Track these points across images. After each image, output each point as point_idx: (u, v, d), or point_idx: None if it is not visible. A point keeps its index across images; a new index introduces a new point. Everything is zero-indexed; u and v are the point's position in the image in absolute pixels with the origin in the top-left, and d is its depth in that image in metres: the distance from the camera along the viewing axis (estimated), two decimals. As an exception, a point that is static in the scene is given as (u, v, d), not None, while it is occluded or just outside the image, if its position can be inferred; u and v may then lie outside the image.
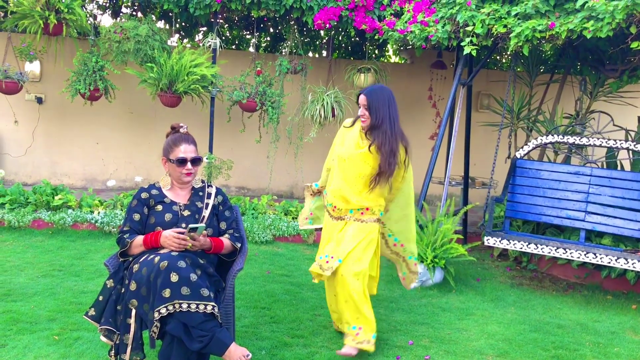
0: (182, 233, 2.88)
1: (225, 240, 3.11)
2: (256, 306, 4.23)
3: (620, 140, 5.19)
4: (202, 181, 3.26)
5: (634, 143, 5.10)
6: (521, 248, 4.96)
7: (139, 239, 2.95)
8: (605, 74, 5.79)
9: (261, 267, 5.23)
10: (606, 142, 5.22)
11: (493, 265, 5.88)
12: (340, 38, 8.44)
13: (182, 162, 3.07)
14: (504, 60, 8.54)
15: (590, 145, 5.32)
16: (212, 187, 3.25)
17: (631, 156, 5.77)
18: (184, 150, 3.07)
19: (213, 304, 2.71)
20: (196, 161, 3.10)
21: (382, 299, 4.61)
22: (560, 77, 6.50)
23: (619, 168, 5.89)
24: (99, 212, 6.02)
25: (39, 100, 7.73)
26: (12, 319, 3.70)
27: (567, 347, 3.92)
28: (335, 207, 3.54)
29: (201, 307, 2.68)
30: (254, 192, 8.10)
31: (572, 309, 4.74)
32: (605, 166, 5.94)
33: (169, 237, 2.86)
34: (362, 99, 3.43)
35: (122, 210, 6.11)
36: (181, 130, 3.17)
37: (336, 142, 3.65)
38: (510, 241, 5.01)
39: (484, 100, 8.12)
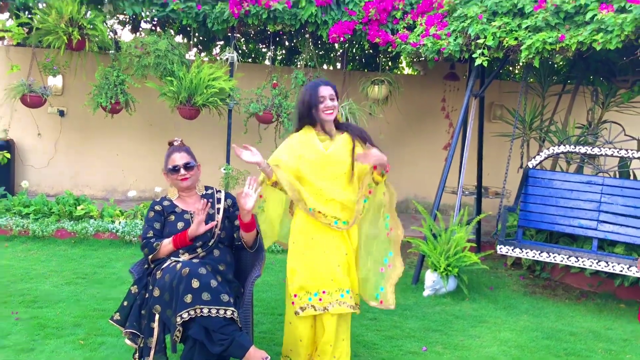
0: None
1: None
2: (273, 313, 4.34)
3: (632, 150, 5.25)
4: (207, 188, 3.40)
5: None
6: (534, 257, 5.04)
7: (167, 240, 3.11)
8: (616, 85, 5.86)
9: (277, 276, 5.34)
10: (617, 151, 5.28)
11: (506, 274, 5.94)
12: (354, 50, 8.57)
13: (175, 169, 3.24)
14: (516, 72, 8.61)
15: (601, 155, 5.39)
16: (220, 192, 3.39)
17: (643, 165, 5.82)
18: (175, 159, 3.26)
19: (233, 309, 2.82)
20: (188, 166, 3.25)
21: (396, 306, 4.69)
22: (572, 88, 6.57)
23: (631, 177, 5.93)
24: (119, 222, 6.18)
25: (61, 113, 7.95)
26: (39, 324, 3.85)
27: (579, 353, 3.98)
28: (319, 211, 3.14)
29: (221, 311, 2.80)
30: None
31: (584, 316, 4.79)
32: (617, 176, 5.99)
33: (195, 223, 3.06)
34: (330, 89, 3.16)
35: (142, 220, 6.27)
36: (175, 143, 3.37)
37: (293, 152, 3.20)
38: (523, 250, 5.09)
39: (497, 110, 8.20)
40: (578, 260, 4.82)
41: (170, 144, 3.39)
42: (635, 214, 5.06)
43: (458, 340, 4.09)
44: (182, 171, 3.23)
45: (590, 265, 4.77)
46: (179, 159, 3.25)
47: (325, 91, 3.15)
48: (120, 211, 6.43)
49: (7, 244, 5.81)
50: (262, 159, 3.12)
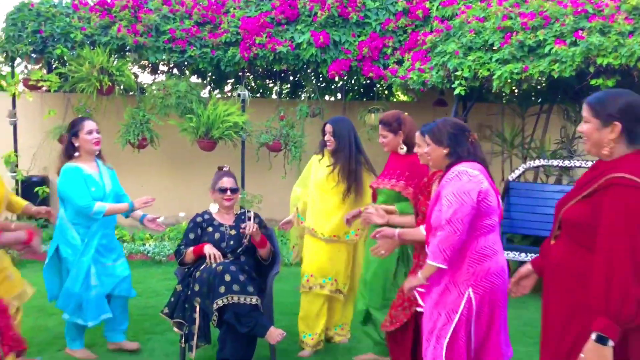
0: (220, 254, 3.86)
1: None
2: (289, 312, 5.07)
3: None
4: (242, 208, 4.20)
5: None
6: (513, 257, 5.78)
7: (190, 249, 3.89)
8: (582, 104, 6.64)
9: (292, 284, 6.06)
10: (585, 163, 6.04)
11: (496, 277, 6.64)
12: (352, 82, 9.43)
13: (223, 190, 4.01)
14: (503, 96, 9.41)
15: (572, 166, 6.15)
16: (250, 212, 4.17)
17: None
18: (224, 182, 4.03)
19: (257, 297, 3.59)
20: (234, 190, 4.03)
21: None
22: (547, 109, 7.36)
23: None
24: (150, 244, 6.97)
25: (91, 150, 8.80)
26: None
27: (550, 335, 4.69)
28: (313, 229, 4.16)
29: (248, 299, 3.56)
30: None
31: (560, 308, 5.49)
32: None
33: (210, 248, 3.80)
34: (328, 127, 4.11)
35: (169, 241, 7.06)
36: (224, 169, 4.16)
37: (310, 172, 4.32)
38: (505, 252, 5.81)
39: (486, 131, 8.97)
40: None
41: (220, 168, 4.16)
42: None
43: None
44: (229, 193, 4.01)
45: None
46: (228, 182, 4.01)
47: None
48: (149, 235, 7.23)
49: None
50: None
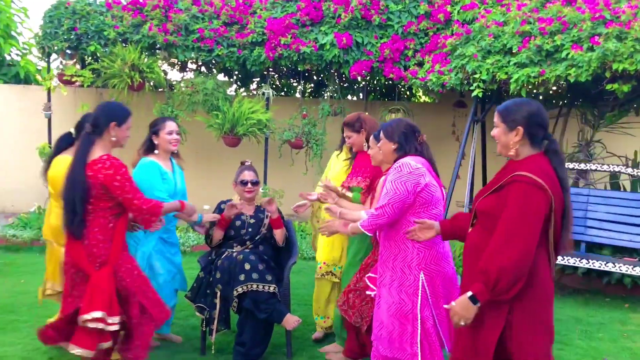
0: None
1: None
2: (306, 303, 5.29)
3: (613, 165, 6.10)
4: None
5: (624, 167, 6.01)
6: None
7: (215, 228, 4.14)
8: (600, 109, 6.73)
9: (309, 278, 6.28)
10: (600, 166, 6.13)
11: (510, 276, 6.77)
12: (375, 82, 9.60)
13: (244, 183, 4.23)
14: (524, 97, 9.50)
15: (588, 170, 6.24)
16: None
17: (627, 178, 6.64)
18: (245, 175, 4.24)
19: (274, 285, 3.81)
20: (254, 183, 4.25)
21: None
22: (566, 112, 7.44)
23: (621, 189, 6.74)
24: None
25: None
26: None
27: (559, 333, 4.79)
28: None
29: (266, 287, 3.78)
30: (302, 218, 9.21)
31: (571, 307, 5.61)
32: (610, 188, 6.80)
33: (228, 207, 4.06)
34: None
35: (193, 232, 7.32)
36: (247, 163, 4.38)
37: (329, 167, 4.51)
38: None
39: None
40: (564, 259, 5.67)
41: (242, 163, 4.36)
42: (617, 220, 5.87)
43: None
44: (249, 185, 4.23)
45: (574, 263, 5.62)
46: (249, 176, 4.23)
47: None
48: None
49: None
50: None
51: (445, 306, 2.72)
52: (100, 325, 3.08)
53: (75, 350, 3.12)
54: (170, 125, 4.14)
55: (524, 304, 2.49)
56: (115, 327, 3.15)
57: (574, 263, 5.65)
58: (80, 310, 3.09)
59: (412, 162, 3.07)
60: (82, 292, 3.13)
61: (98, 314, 3.06)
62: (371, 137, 3.57)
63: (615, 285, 6.04)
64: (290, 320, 3.77)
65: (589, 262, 5.59)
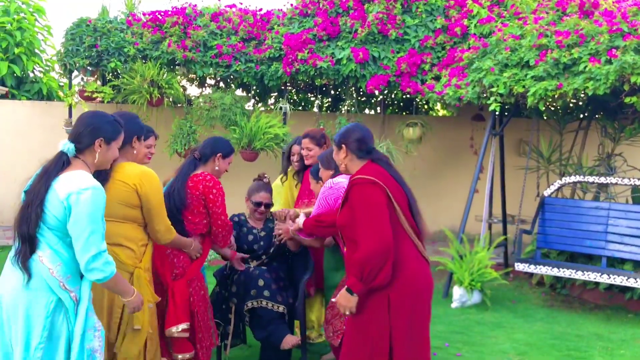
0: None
1: None
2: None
3: (634, 179, 6.01)
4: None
5: (644, 180, 5.92)
6: (546, 272, 5.82)
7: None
8: (621, 122, 6.65)
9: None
10: (621, 180, 6.05)
11: (530, 291, 6.68)
12: (392, 96, 9.60)
13: (258, 204, 4.17)
14: (542, 111, 9.41)
15: (608, 183, 6.16)
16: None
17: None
18: (260, 197, 4.16)
19: (284, 306, 3.79)
20: (268, 206, 4.20)
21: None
22: (586, 125, 7.36)
23: (643, 203, 6.63)
24: (192, 249, 7.27)
25: (140, 159, 9.23)
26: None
27: (580, 349, 4.74)
28: None
29: (275, 307, 3.77)
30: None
31: (593, 323, 5.51)
32: (631, 201, 6.69)
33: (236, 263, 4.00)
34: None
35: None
36: (264, 180, 4.32)
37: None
38: (537, 266, 5.88)
39: (525, 146, 8.99)
40: (584, 274, 5.58)
41: (260, 178, 4.26)
42: (639, 234, 5.77)
43: (476, 340, 4.92)
44: (262, 208, 4.16)
45: (595, 278, 5.53)
46: (264, 198, 4.13)
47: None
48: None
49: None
50: None
51: (332, 300, 3.07)
52: (186, 335, 3.36)
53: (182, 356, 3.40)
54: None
55: (398, 291, 2.85)
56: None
57: (595, 278, 5.57)
58: (166, 324, 3.32)
59: (341, 179, 3.50)
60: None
61: (184, 325, 3.33)
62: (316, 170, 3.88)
63: (638, 301, 5.92)
64: (288, 340, 3.70)
65: (610, 277, 5.50)
